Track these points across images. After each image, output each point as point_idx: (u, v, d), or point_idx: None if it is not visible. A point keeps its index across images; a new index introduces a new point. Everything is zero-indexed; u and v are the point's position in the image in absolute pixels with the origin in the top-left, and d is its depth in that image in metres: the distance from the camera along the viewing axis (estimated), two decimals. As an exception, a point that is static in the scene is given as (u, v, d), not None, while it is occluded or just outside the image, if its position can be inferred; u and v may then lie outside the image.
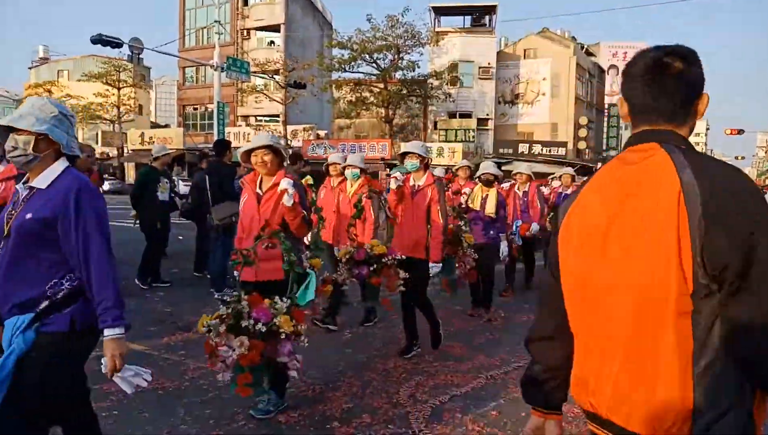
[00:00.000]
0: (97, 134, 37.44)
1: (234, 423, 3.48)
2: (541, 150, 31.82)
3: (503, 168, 27.33)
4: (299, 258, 3.50)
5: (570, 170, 9.35)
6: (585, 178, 1.52)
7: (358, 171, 5.76)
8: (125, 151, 37.05)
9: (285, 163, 3.82)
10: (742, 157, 69.83)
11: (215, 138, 18.71)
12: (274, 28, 35.25)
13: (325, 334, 5.50)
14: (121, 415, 3.52)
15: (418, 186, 4.79)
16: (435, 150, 28.39)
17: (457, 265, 5.77)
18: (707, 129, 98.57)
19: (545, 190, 9.75)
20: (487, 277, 6.38)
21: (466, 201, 6.33)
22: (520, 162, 9.13)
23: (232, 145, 7.81)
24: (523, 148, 31.92)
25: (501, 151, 31.86)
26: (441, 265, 4.72)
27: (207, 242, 7.65)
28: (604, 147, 41.67)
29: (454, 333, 5.70)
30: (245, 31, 35.95)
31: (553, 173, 12.98)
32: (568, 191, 8.67)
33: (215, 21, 22.22)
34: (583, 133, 35.88)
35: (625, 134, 48.87)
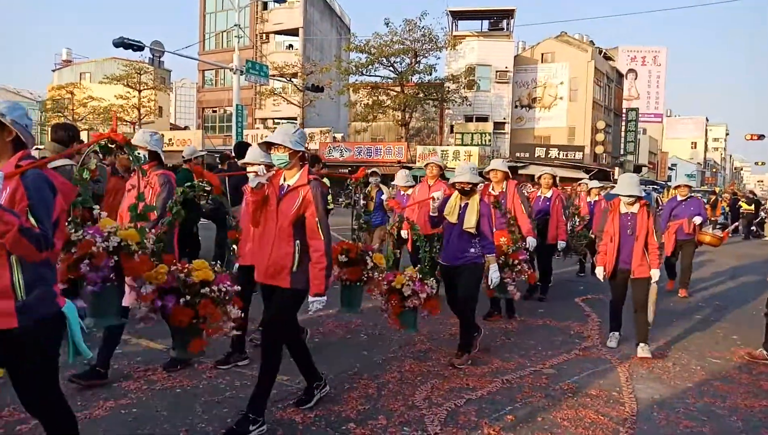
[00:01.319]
0: (117, 136, 37.95)
1: (251, 422, 3.51)
2: (558, 154, 31.66)
3: (521, 172, 26.98)
4: (46, 291, 2.28)
5: (549, 170, 8.01)
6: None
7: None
8: (145, 152, 37.44)
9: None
10: (762, 163, 68.76)
11: (234, 140, 18.85)
12: (293, 32, 35.51)
13: (342, 336, 5.53)
14: (139, 413, 3.57)
15: (288, 187, 3.44)
16: (451, 153, 28.38)
17: (368, 292, 4.63)
18: (727, 134, 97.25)
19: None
20: (463, 309, 4.86)
21: (439, 208, 4.93)
22: (495, 159, 7.81)
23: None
24: (539, 152, 31.77)
25: (517, 155, 31.75)
26: (324, 298, 3.40)
27: (224, 243, 7.72)
28: (622, 151, 41.34)
29: (469, 337, 5.69)
30: (264, 35, 36.26)
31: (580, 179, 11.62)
32: (548, 194, 7.64)
33: (235, 25, 22.37)
34: (600, 137, 35.61)
35: (643, 139, 48.43)
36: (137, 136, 4.41)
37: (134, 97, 36.42)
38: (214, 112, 38.23)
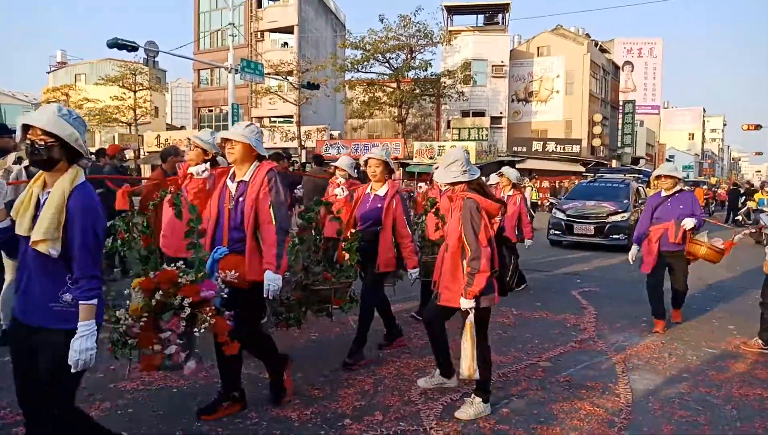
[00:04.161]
0: (114, 137, 37.84)
1: (247, 421, 3.52)
2: (556, 147, 31.67)
3: (517, 166, 27.14)
4: None
5: (378, 153, 4.80)
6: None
7: None
8: (142, 153, 37.47)
9: None
10: (760, 153, 68.75)
11: (229, 139, 18.72)
12: (288, 30, 35.39)
13: (338, 333, 5.53)
14: (135, 414, 3.58)
15: None
16: (448, 149, 28.35)
17: None
18: (724, 124, 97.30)
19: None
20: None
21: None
22: (236, 124, 3.81)
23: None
24: (537, 146, 31.80)
25: (515, 149, 31.79)
26: None
27: None
28: (619, 144, 41.34)
29: (466, 331, 5.70)
30: (259, 33, 36.15)
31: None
32: (381, 191, 4.71)
33: (229, 23, 22.29)
34: (597, 130, 35.63)
35: (640, 131, 48.44)
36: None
37: (130, 97, 36.31)
38: (210, 111, 38.21)
